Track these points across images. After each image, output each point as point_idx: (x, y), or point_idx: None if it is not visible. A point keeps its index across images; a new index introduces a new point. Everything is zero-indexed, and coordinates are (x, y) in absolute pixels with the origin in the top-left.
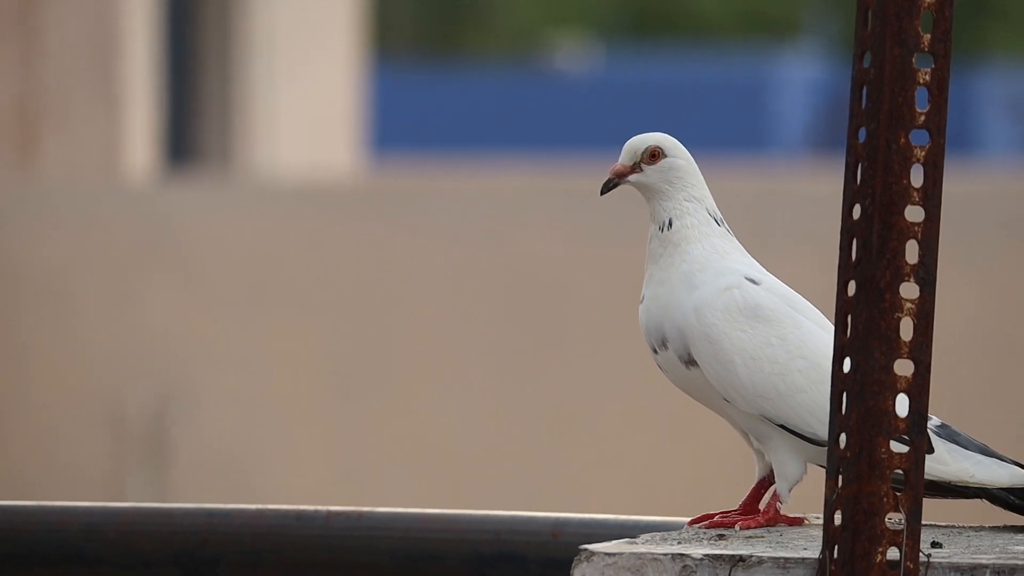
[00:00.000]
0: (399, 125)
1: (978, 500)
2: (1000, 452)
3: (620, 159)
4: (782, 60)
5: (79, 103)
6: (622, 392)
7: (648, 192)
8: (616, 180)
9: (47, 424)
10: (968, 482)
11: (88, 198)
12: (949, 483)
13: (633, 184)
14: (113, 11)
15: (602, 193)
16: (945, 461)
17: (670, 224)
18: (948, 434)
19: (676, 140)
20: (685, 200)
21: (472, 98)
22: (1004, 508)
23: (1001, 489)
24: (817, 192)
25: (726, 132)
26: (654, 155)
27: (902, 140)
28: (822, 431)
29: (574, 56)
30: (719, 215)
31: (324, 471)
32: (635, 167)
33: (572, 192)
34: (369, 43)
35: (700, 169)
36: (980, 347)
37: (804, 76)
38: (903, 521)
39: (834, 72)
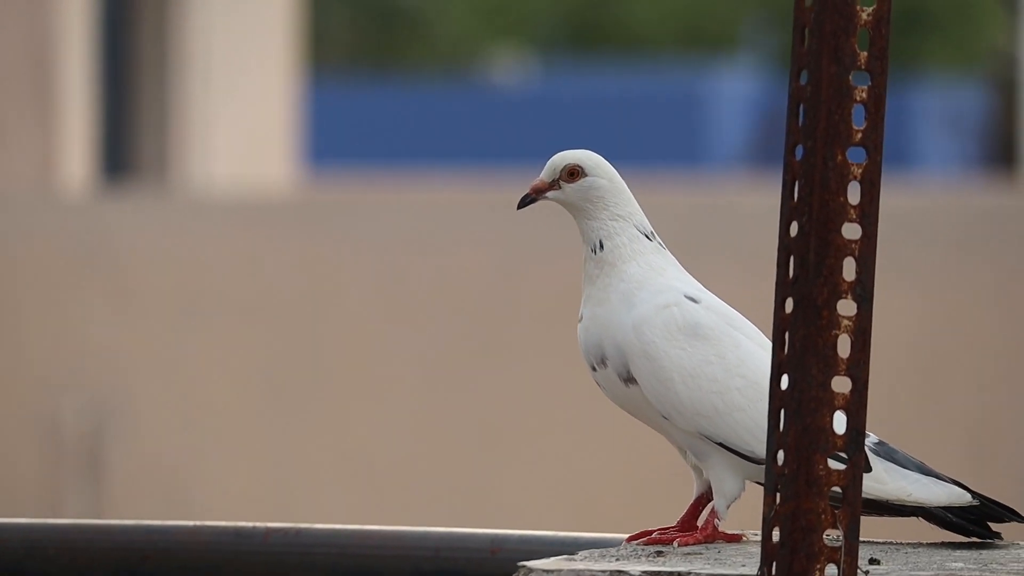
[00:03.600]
0: (335, 138)
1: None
2: (938, 471)
3: (541, 175)
4: (719, 74)
5: (13, 115)
6: (560, 407)
7: (569, 209)
8: (533, 196)
9: None
10: (905, 500)
11: (23, 211)
12: (886, 501)
13: (552, 200)
14: (48, 23)
15: (519, 207)
16: (883, 480)
17: (601, 246)
18: (886, 452)
19: (600, 158)
20: (610, 219)
21: (408, 111)
22: (941, 527)
23: (939, 507)
24: (752, 207)
25: (662, 146)
26: (572, 173)
27: (839, 158)
28: (760, 449)
29: (510, 69)
30: (649, 229)
31: (262, 485)
32: (554, 184)
33: (507, 205)
34: (305, 56)
35: (634, 183)
36: (918, 364)
37: (740, 90)
38: (841, 538)
39: (770, 87)
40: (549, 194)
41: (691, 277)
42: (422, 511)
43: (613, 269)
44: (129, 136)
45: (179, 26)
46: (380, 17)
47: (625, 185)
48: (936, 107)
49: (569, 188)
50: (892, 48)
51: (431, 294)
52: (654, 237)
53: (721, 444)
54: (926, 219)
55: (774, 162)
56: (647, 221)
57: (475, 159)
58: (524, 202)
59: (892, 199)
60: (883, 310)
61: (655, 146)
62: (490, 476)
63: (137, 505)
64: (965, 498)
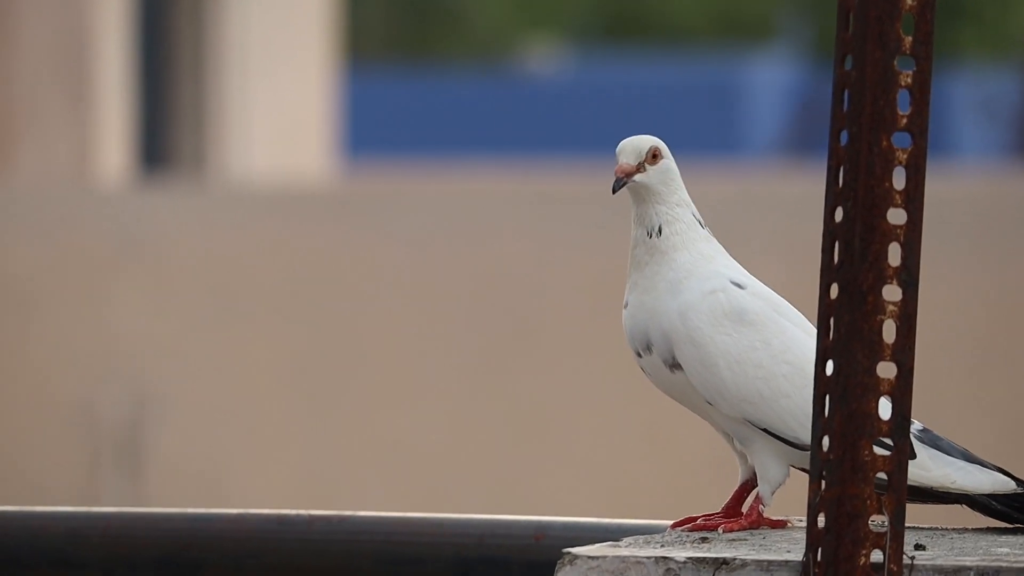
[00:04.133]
0: (372, 129)
1: None
2: (982, 458)
3: (623, 159)
4: (755, 63)
5: (52, 108)
6: (604, 395)
7: (647, 193)
8: (625, 180)
9: (20, 430)
10: (950, 488)
11: (60, 203)
12: (931, 488)
13: (637, 184)
14: (86, 15)
15: (614, 192)
16: (927, 467)
17: (660, 231)
18: (930, 439)
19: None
20: (676, 204)
21: (444, 102)
22: (985, 514)
23: (983, 495)
24: (790, 195)
25: (698, 135)
26: (655, 155)
27: (884, 143)
28: (805, 436)
29: (546, 59)
30: (701, 217)
31: (301, 476)
32: (640, 167)
33: (544, 195)
34: (342, 48)
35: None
36: (960, 351)
37: (777, 79)
38: (886, 524)
39: (806, 76)
40: (636, 177)
41: (738, 264)
42: (465, 499)
43: (664, 257)
44: (166, 128)
45: (216, 18)
46: (416, 8)
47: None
48: (971, 94)
49: (653, 170)
50: (936, 37)
51: (468, 284)
52: (705, 225)
53: (766, 430)
54: (962, 206)
55: (811, 150)
56: (696, 210)
57: (511, 150)
58: (618, 186)
59: (929, 186)
60: (923, 296)
61: (691, 136)
62: (534, 463)
63: (174, 495)
64: (1010, 485)
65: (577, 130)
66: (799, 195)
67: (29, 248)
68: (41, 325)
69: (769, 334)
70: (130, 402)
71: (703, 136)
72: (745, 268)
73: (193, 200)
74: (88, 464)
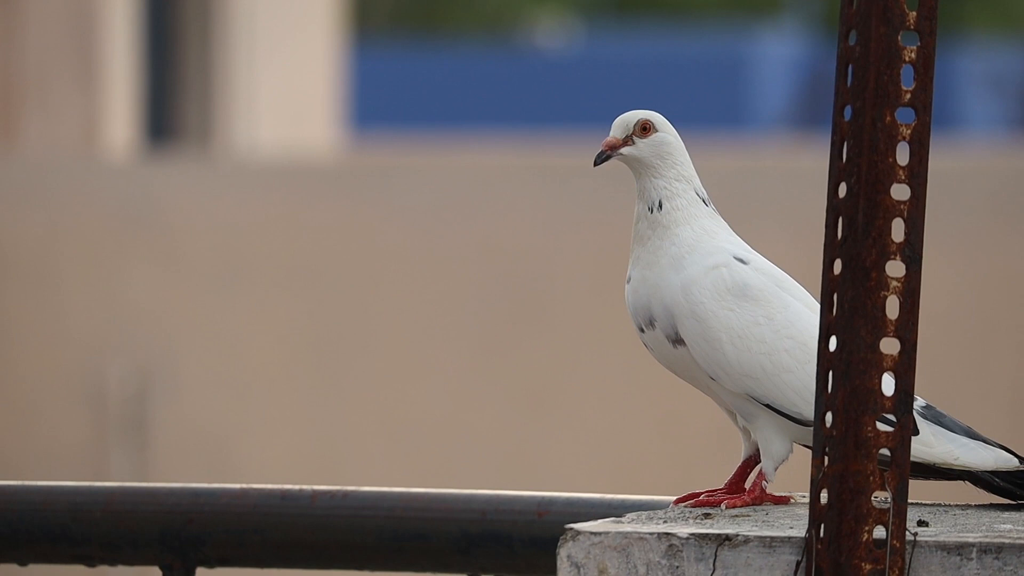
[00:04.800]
0: (378, 102)
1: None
2: (984, 435)
3: (612, 132)
4: (762, 38)
5: (59, 80)
6: (607, 370)
7: (639, 166)
8: (608, 152)
9: (27, 402)
10: (952, 464)
11: (68, 175)
12: (933, 465)
13: (625, 157)
14: None
15: (595, 164)
16: (930, 443)
17: (660, 206)
18: (933, 415)
19: (664, 119)
20: (675, 179)
21: (451, 75)
22: (988, 491)
23: (985, 471)
24: (797, 169)
25: (706, 110)
26: (645, 128)
27: (888, 118)
28: (808, 411)
29: (554, 33)
30: (705, 195)
31: (306, 450)
32: (627, 140)
33: (551, 169)
34: (349, 20)
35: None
36: (963, 328)
37: (784, 53)
38: (889, 500)
39: (814, 50)
40: (623, 150)
41: (742, 240)
42: (468, 474)
43: (666, 232)
44: (173, 100)
45: None
46: None
47: (685, 148)
48: (979, 69)
49: (642, 143)
50: (940, 12)
51: (474, 258)
52: (709, 203)
53: (768, 406)
54: (970, 181)
55: (818, 125)
56: (702, 187)
57: (518, 123)
58: (600, 159)
59: (935, 161)
60: (926, 273)
61: (699, 110)
62: (537, 439)
63: (181, 469)
64: (1012, 462)
65: (585, 104)
66: (807, 169)
67: (36, 221)
68: (48, 298)
69: (772, 309)
70: (137, 375)
71: (711, 110)
72: (752, 242)
73: (200, 173)
74: (95, 437)
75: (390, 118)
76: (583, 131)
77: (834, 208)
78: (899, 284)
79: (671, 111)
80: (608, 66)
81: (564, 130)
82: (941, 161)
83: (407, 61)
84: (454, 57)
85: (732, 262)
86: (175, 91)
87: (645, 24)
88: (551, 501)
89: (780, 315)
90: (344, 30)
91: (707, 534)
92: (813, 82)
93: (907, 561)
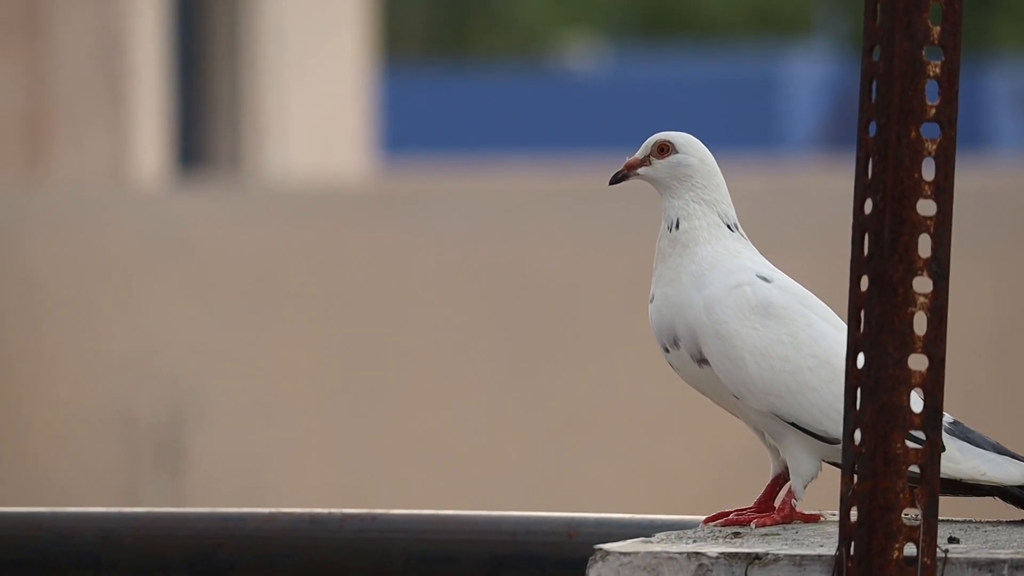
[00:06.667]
0: (409, 127)
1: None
2: (1013, 451)
3: (636, 153)
4: (792, 58)
5: (88, 108)
6: (636, 391)
7: (658, 187)
8: (625, 172)
9: (59, 430)
10: (980, 480)
11: (98, 204)
12: (961, 481)
13: (641, 177)
14: (121, 15)
15: (610, 183)
16: (956, 459)
17: (677, 224)
18: (961, 432)
19: (696, 141)
20: (693, 201)
21: (482, 99)
22: (1017, 506)
23: (1015, 487)
24: (828, 189)
25: (736, 130)
26: (663, 149)
27: (913, 134)
28: (834, 429)
29: (583, 56)
30: (733, 220)
31: (337, 475)
32: (645, 160)
33: (582, 193)
34: (379, 45)
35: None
36: (993, 342)
37: (814, 73)
38: (919, 517)
39: (844, 69)
40: (640, 170)
41: (765, 260)
42: (499, 496)
43: (685, 250)
44: (202, 127)
45: (252, 17)
46: (454, 6)
47: (718, 172)
48: (1008, 87)
49: (659, 164)
50: (964, 27)
51: (504, 281)
52: (736, 229)
53: (794, 424)
54: (999, 198)
55: (849, 144)
56: (733, 213)
57: (549, 146)
58: (616, 178)
59: (965, 178)
60: (956, 289)
61: (729, 131)
62: (567, 460)
63: (214, 495)
64: None
65: (615, 126)
66: (837, 189)
67: (67, 250)
68: (80, 326)
69: (795, 327)
70: (169, 403)
71: (740, 131)
72: (783, 261)
73: (229, 200)
74: (128, 466)
75: (420, 143)
76: (613, 154)
77: (860, 224)
78: (926, 300)
79: (701, 132)
80: (638, 88)
81: (594, 153)
82: (971, 178)
83: (437, 85)
84: (484, 81)
85: (755, 280)
86: (205, 118)
87: (674, 46)
88: (581, 522)
89: (804, 333)
90: (374, 55)
91: (737, 553)
92: (843, 102)
93: None
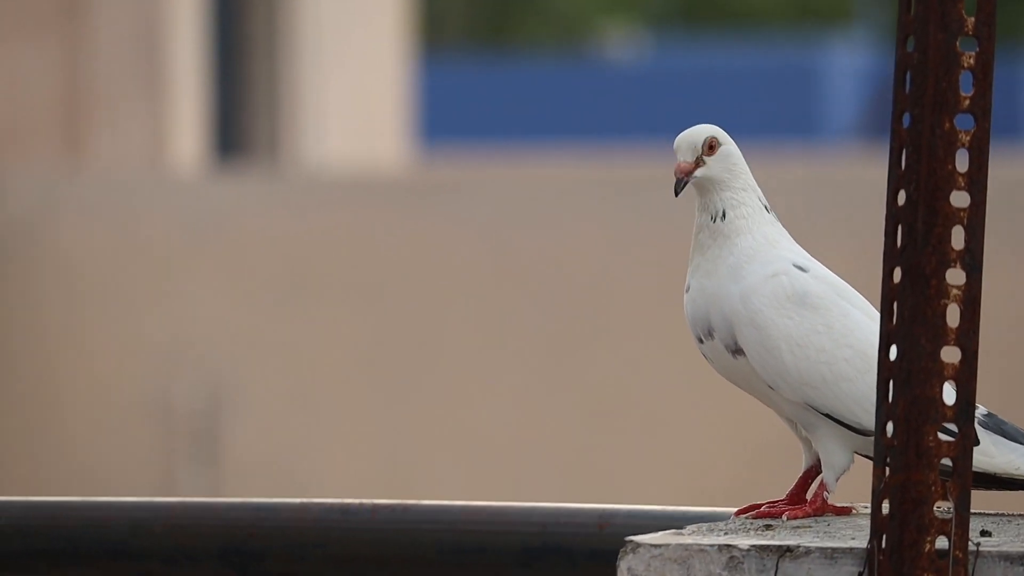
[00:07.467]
0: (448, 116)
1: None
2: None
3: (681, 156)
4: (832, 47)
5: (126, 95)
6: (667, 382)
7: (710, 184)
8: (685, 179)
9: (96, 417)
10: (1014, 474)
11: (136, 191)
12: (995, 475)
13: (699, 179)
14: (160, 3)
15: (676, 194)
16: (991, 453)
17: (723, 215)
18: (995, 424)
19: (720, 128)
20: (741, 189)
21: (521, 88)
22: None
23: None
24: (867, 179)
25: (776, 119)
26: (712, 146)
27: (947, 125)
28: (868, 421)
29: (623, 45)
30: (767, 201)
31: (373, 463)
32: (698, 161)
33: (622, 182)
34: (419, 33)
35: (748, 157)
36: None
37: (854, 63)
38: (951, 510)
39: (884, 59)
40: (697, 173)
41: (802, 249)
42: (531, 487)
43: (727, 241)
44: (240, 115)
45: (291, 3)
46: None
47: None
48: None
49: (712, 161)
50: (999, 18)
51: (542, 270)
52: (771, 210)
53: (828, 415)
54: None
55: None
56: (763, 195)
57: (588, 135)
58: (680, 188)
59: (1001, 169)
60: (991, 281)
61: (769, 120)
62: (598, 451)
63: (250, 484)
64: None
65: (655, 115)
66: (875, 179)
67: (105, 236)
68: (117, 313)
69: (832, 318)
70: (205, 392)
71: (780, 120)
72: (821, 251)
73: (268, 188)
74: (164, 455)
75: (459, 131)
76: (653, 142)
77: (893, 216)
78: (959, 292)
79: (741, 122)
80: (678, 77)
81: (634, 141)
82: (1007, 169)
83: (476, 74)
84: (523, 69)
85: (792, 270)
86: (243, 105)
87: (714, 35)
88: (612, 513)
89: (840, 323)
90: (414, 42)
91: (768, 545)
92: (882, 92)
93: (970, 572)
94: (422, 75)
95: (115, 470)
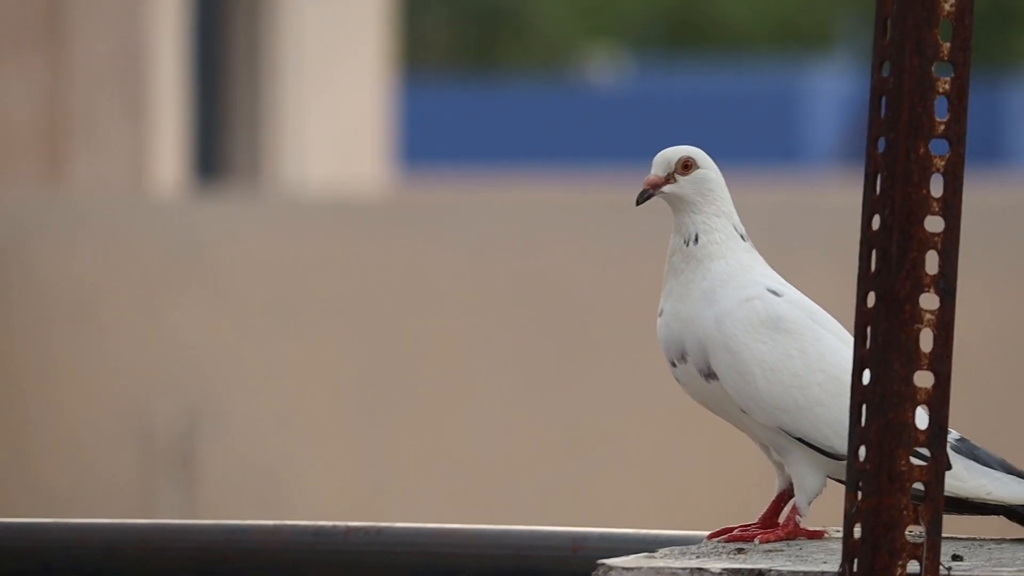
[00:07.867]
0: (430, 138)
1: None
2: (1021, 469)
3: (653, 171)
4: (813, 72)
5: (107, 117)
6: (642, 406)
7: (680, 204)
8: (650, 191)
9: (75, 439)
10: (986, 499)
11: (116, 212)
12: (966, 499)
13: (667, 195)
14: (141, 24)
15: (638, 203)
16: (962, 477)
17: (696, 239)
18: (967, 449)
19: (704, 153)
20: (714, 215)
21: (503, 111)
22: (1022, 525)
23: (1020, 506)
24: (847, 204)
25: (757, 144)
26: (687, 166)
27: (921, 150)
28: (840, 445)
29: (606, 68)
30: (743, 230)
31: (353, 486)
32: (669, 178)
33: (603, 205)
34: (400, 55)
35: (729, 181)
36: (1000, 361)
37: (835, 88)
38: (923, 534)
39: (865, 84)
40: (665, 188)
41: (776, 274)
42: (505, 510)
43: (700, 265)
44: (221, 137)
45: (271, 27)
46: (477, 17)
47: (725, 184)
48: None
49: (684, 181)
50: (983, 44)
51: (520, 294)
52: (747, 238)
53: (801, 440)
54: (1019, 215)
55: None
56: (741, 222)
57: (570, 159)
58: (642, 198)
59: (984, 195)
60: (968, 306)
61: (750, 144)
62: (572, 474)
63: (229, 507)
64: None
65: (637, 138)
66: (857, 204)
67: (85, 258)
68: (96, 335)
69: (805, 342)
70: (185, 413)
71: (762, 144)
72: (801, 276)
73: (249, 210)
74: (143, 475)
75: (441, 154)
76: (635, 166)
77: (868, 240)
78: (933, 317)
79: (722, 145)
80: (660, 101)
81: (616, 165)
82: (990, 195)
83: (459, 96)
84: (506, 92)
85: (765, 294)
86: (224, 128)
87: (697, 59)
88: (585, 537)
89: (813, 348)
90: (395, 65)
91: (740, 569)
92: (864, 117)
93: None
94: (404, 97)
95: (95, 493)
